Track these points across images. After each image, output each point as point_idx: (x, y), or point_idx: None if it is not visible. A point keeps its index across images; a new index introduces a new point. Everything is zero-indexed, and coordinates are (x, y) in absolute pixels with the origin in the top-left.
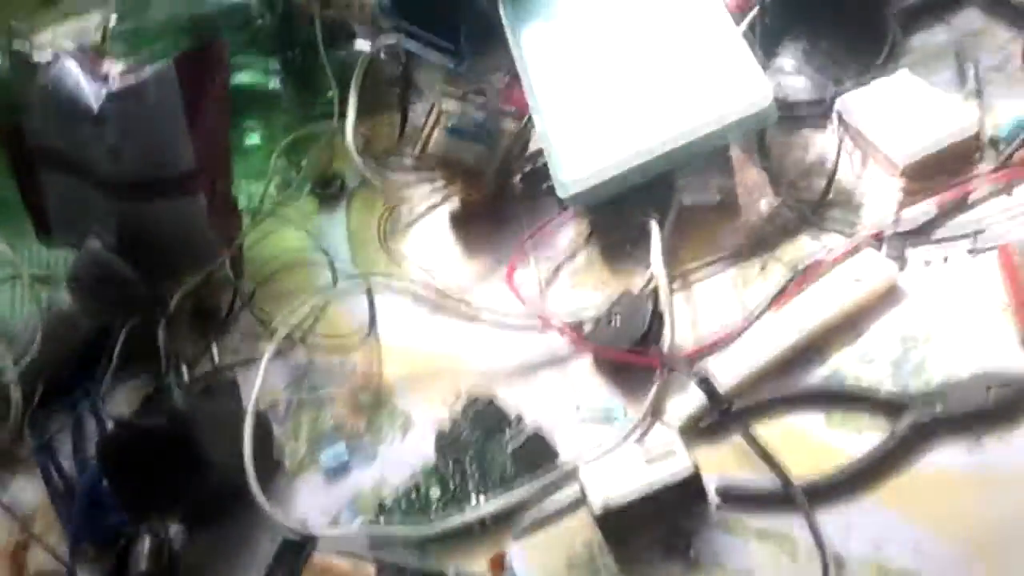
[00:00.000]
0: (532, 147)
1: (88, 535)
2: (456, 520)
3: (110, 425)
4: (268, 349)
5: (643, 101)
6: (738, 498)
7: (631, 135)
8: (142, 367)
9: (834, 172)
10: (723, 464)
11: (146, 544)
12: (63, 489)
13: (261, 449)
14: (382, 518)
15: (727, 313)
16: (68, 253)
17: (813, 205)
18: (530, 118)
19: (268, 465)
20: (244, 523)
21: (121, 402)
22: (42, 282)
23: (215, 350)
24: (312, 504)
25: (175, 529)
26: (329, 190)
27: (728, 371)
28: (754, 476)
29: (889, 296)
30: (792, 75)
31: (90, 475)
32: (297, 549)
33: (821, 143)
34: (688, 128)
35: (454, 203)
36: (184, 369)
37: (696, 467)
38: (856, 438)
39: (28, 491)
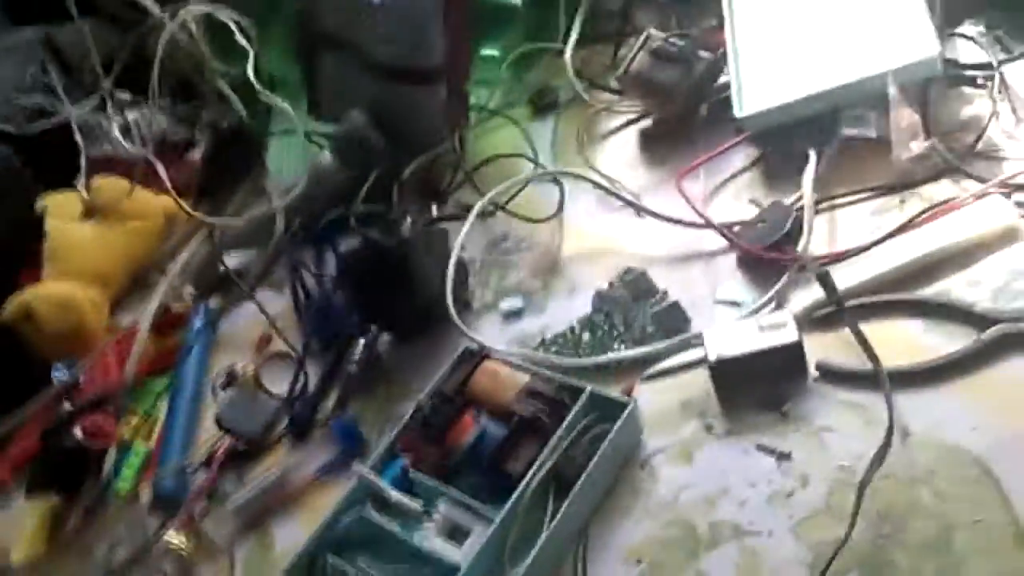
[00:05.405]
0: (721, 82)
1: (317, 334)
2: (599, 359)
3: (348, 245)
4: (474, 210)
5: (823, 46)
6: (833, 374)
7: (806, 73)
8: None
9: (985, 128)
10: (828, 350)
11: (360, 346)
12: (304, 300)
13: (457, 289)
14: (540, 350)
15: (860, 235)
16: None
17: (960, 153)
18: (724, 54)
19: (460, 303)
20: (437, 341)
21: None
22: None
23: (434, 209)
24: (488, 337)
25: (385, 338)
26: (544, 101)
27: (847, 276)
28: (850, 360)
29: (1007, 237)
30: (965, 42)
31: (326, 290)
32: (473, 356)
33: (980, 103)
34: (857, 69)
35: (647, 123)
36: (408, 220)
37: (800, 338)
38: (947, 342)
39: (276, 302)
